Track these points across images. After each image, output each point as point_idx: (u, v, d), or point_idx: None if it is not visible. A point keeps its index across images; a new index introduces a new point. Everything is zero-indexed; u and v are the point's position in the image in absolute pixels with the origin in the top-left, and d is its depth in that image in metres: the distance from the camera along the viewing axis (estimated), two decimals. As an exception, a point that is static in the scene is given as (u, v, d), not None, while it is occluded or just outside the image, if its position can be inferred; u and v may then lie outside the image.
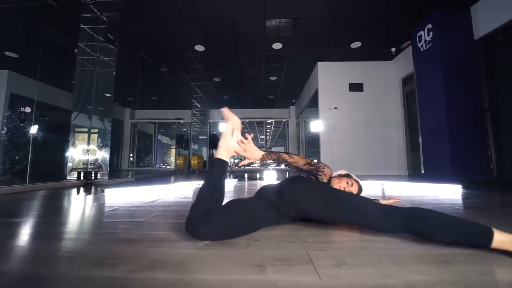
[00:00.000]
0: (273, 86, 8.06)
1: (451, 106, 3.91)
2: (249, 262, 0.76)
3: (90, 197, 2.34)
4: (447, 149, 3.86)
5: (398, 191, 2.57)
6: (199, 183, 3.55)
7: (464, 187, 2.71)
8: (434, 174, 4.13)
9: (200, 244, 0.92)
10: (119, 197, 2.29)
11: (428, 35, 4.28)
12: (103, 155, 4.25)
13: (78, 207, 1.84)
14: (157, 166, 14.46)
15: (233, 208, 1.01)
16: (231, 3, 3.96)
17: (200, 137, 16.68)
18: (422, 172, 4.50)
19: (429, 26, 4.26)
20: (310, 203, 1.01)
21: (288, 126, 11.12)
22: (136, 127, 11.85)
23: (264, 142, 16.32)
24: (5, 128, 3.92)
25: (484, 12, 3.90)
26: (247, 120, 11.78)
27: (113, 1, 3.94)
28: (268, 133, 18.81)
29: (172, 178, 5.12)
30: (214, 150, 9.34)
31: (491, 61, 3.98)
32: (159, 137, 16.46)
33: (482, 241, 0.77)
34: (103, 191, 2.62)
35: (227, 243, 0.93)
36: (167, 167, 15.93)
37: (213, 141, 8.70)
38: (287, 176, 1.25)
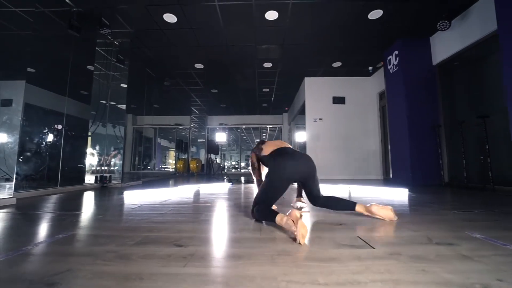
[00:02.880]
0: (266, 96, 8.78)
1: (412, 121, 4.64)
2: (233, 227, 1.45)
3: (116, 198, 3.02)
4: (408, 158, 4.59)
5: (361, 193, 3.27)
6: (199, 186, 4.24)
7: (410, 191, 3.42)
8: (399, 179, 4.86)
9: (200, 222, 1.62)
10: (136, 197, 2.97)
11: (395, 59, 5.02)
12: (115, 161, 4.93)
13: (115, 204, 2.52)
14: (156, 168, 15.10)
15: None
16: (227, 34, 4.67)
17: (198, 140, 17.32)
18: (391, 177, 5.23)
19: (396, 52, 4.99)
20: None
21: (281, 132, 11.85)
22: (142, 133, 12.50)
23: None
24: (43, 142, 4.59)
25: (440, 42, 4.64)
26: (244, 126, 12.52)
27: (126, 31, 4.62)
28: (264, 137, 19.56)
29: (173, 182, 5.80)
30: (211, 154, 10.03)
31: (446, 84, 4.72)
32: (159, 140, 17.11)
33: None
34: (123, 193, 3.31)
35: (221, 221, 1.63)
36: (165, 169, 16.59)
37: (211, 146, 9.38)
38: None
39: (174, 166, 12.52)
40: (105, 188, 4.26)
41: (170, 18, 4.21)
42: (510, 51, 2.96)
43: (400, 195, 3.10)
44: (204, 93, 8.38)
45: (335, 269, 0.91)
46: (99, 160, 4.64)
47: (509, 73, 2.96)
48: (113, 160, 4.86)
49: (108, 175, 4.66)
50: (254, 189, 4.07)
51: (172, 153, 18.75)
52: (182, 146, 11.32)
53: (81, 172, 4.55)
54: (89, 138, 4.89)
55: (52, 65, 5.77)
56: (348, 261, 0.98)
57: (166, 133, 16.26)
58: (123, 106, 5.27)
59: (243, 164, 22.02)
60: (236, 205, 2.39)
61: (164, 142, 18.98)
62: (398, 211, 2.07)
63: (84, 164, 4.56)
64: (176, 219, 1.77)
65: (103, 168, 4.77)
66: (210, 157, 9.94)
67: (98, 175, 4.61)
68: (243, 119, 11.92)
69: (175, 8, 3.94)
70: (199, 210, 2.14)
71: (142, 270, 0.92)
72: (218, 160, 14.20)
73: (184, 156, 11.71)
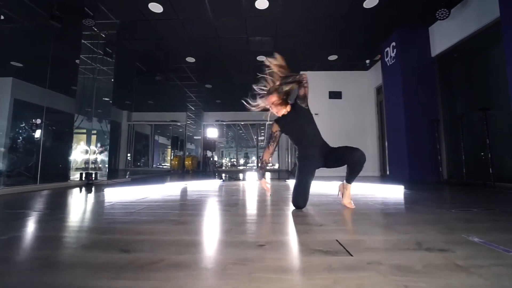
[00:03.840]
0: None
1: (409, 115, 4.45)
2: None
3: (94, 195, 2.85)
4: (405, 154, 4.40)
5: (355, 190, 3.07)
6: (188, 183, 4.06)
7: (406, 187, 3.24)
8: (396, 176, 4.67)
9: (166, 222, 1.45)
10: (116, 195, 2.80)
11: (393, 51, 4.82)
12: (101, 157, 4.75)
13: (87, 202, 2.36)
14: (154, 166, 14.93)
15: None
16: (216, 25, 4.48)
17: (195, 137, 17.14)
18: (388, 173, 5.05)
19: (393, 43, 4.79)
20: None
21: (278, 129, 11.64)
22: (133, 129, 12.35)
23: (259, 143, 16.90)
24: (20, 137, 4.42)
25: (439, 32, 4.43)
26: (242, 123, 12.34)
27: (111, 22, 4.43)
28: (262, 134, 19.33)
29: (164, 179, 5.63)
30: (207, 151, 9.83)
31: (445, 76, 4.52)
32: (156, 137, 16.92)
33: None
34: (103, 191, 3.15)
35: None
36: (164, 166, 16.42)
37: (207, 142, 9.20)
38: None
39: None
40: (90, 185, 4.09)
41: (156, 7, 4.01)
42: (513, 38, 2.76)
43: (395, 192, 2.91)
44: (198, 88, 8.19)
45: (296, 283, 0.73)
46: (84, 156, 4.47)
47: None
48: (99, 156, 4.68)
49: (93, 172, 4.49)
50: (246, 184, 3.89)
51: (170, 151, 18.56)
52: (177, 143, 11.14)
53: (65, 168, 4.38)
54: (85, 136, 4.74)
55: (32, 56, 5.59)
56: (316, 273, 0.80)
57: (164, 130, 16.08)
58: (112, 101, 5.09)
59: (241, 162, 21.86)
60: (218, 203, 2.22)
61: (162, 140, 18.81)
62: (390, 210, 1.90)
63: (69, 160, 4.38)
64: (141, 219, 1.60)
65: (89, 164, 4.60)
66: (206, 154, 9.76)
67: (84, 172, 4.44)
68: (239, 115, 11.73)
69: (160, -4, 3.76)
70: (173, 209, 1.96)
71: (62, 282, 0.74)
72: (216, 157, 14.02)
73: (180, 153, 11.53)
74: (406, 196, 2.61)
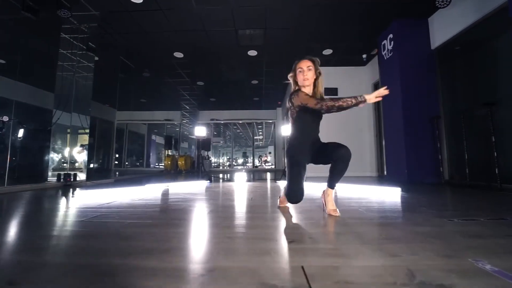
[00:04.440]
0: (257, 89, 8.31)
1: (407, 112, 4.17)
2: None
3: (58, 199, 2.58)
4: (403, 153, 4.13)
5: (349, 193, 2.82)
6: (169, 185, 3.79)
7: (403, 190, 2.97)
8: (393, 176, 4.40)
9: (110, 238, 1.18)
10: (85, 198, 2.55)
11: (390, 44, 4.54)
12: (82, 157, 4.50)
13: (39, 208, 2.09)
14: (151, 166, 14.66)
15: None
16: (202, 15, 4.20)
17: (191, 136, 16.88)
18: (385, 173, 4.77)
19: (391, 35, 4.51)
20: None
21: (275, 127, 11.38)
22: (127, 128, 12.09)
23: (258, 142, 16.64)
24: None
25: (439, 22, 4.15)
26: (240, 121, 12.07)
27: (91, 14, 4.16)
28: (260, 133, 19.03)
29: (150, 180, 5.36)
30: (203, 151, 9.59)
31: (446, 70, 4.24)
32: (153, 137, 16.65)
33: None
34: (73, 193, 2.90)
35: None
36: (160, 166, 16.18)
37: (201, 143, 8.94)
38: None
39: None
40: (67, 187, 3.83)
41: (135, -4, 3.75)
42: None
43: (392, 195, 2.64)
44: (190, 86, 7.92)
45: None
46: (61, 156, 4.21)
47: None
48: (78, 156, 4.42)
49: (72, 172, 4.23)
50: (235, 186, 3.62)
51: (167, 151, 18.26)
52: (171, 142, 10.88)
53: (42, 169, 4.12)
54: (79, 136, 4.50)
55: (9, 50, 5.35)
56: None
57: (161, 129, 15.82)
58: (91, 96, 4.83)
59: (240, 161, 21.58)
60: (187, 210, 1.95)
61: (159, 139, 18.54)
62: (381, 219, 1.63)
63: (45, 160, 4.12)
64: (80, 232, 1.33)
65: (67, 164, 4.34)
66: (201, 154, 9.50)
67: (62, 172, 4.19)
68: (235, 114, 11.46)
69: (137, -17, 3.49)
70: (129, 217, 1.69)
71: None
72: (212, 157, 13.77)
73: (172, 153, 11.27)
74: (402, 200, 2.34)
